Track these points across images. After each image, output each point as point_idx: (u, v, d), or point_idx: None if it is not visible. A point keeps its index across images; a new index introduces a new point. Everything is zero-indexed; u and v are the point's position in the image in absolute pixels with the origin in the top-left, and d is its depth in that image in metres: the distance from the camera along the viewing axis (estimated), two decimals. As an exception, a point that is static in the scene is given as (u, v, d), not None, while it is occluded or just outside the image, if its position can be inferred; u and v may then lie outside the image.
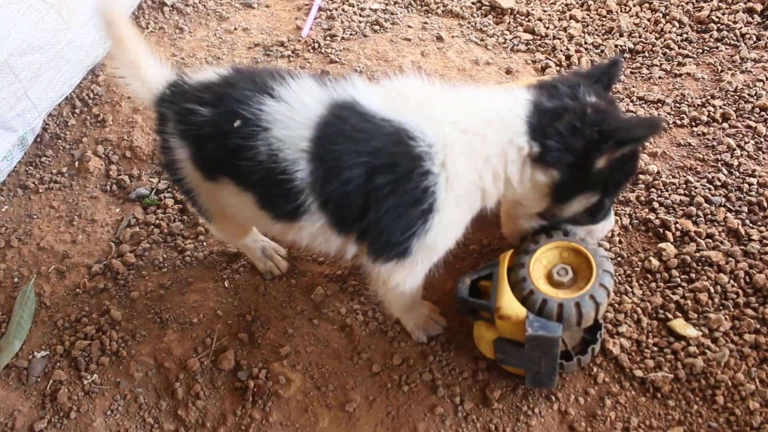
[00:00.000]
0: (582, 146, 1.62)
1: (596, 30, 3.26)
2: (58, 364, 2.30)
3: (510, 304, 1.83)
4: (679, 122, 2.75)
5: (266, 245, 2.35)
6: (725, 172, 2.53)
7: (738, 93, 2.81)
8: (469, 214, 1.79)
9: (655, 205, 2.46)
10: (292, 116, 1.61)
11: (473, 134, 1.62)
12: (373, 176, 1.58)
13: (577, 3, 3.43)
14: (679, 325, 2.13)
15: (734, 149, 2.60)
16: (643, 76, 2.99)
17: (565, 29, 3.26)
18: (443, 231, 1.71)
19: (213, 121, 1.68)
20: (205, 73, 1.83)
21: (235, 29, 3.50)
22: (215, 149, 1.70)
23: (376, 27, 3.37)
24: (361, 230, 1.70)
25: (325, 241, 1.78)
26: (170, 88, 1.86)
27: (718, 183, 2.49)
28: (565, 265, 1.91)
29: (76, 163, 2.95)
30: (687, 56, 3.05)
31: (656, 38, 3.16)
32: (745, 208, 2.41)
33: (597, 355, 2.09)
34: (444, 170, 1.60)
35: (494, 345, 1.93)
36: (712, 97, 2.83)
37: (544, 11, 3.39)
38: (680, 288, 2.23)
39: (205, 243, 2.56)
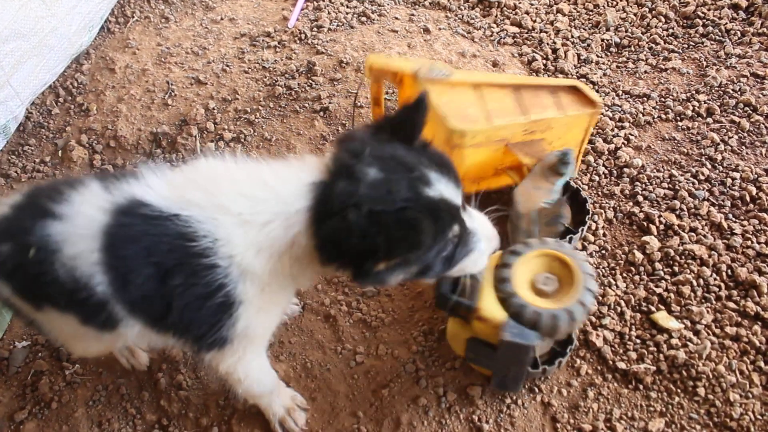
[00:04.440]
0: (351, 255, 1.48)
1: (583, 24, 3.27)
2: (40, 354, 2.28)
3: (490, 307, 1.82)
4: (664, 117, 2.76)
5: None
6: (709, 166, 2.55)
7: (722, 88, 2.83)
8: (287, 296, 1.76)
9: (640, 198, 2.47)
10: (75, 231, 1.58)
11: (259, 228, 1.53)
12: (166, 277, 1.54)
13: (565, -3, 3.44)
14: (662, 317, 2.15)
15: (718, 144, 2.61)
16: (629, 71, 3.00)
17: (552, 23, 3.27)
18: (254, 318, 1.65)
19: (13, 256, 1.65)
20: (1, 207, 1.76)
21: (222, 19, 3.48)
22: (25, 282, 1.68)
23: (363, 18, 3.36)
24: (173, 328, 1.67)
25: (153, 340, 1.75)
26: None
27: (702, 177, 2.51)
28: (550, 274, 1.87)
29: (60, 152, 2.92)
30: (672, 51, 3.06)
31: (642, 33, 3.17)
32: (728, 203, 2.43)
33: (567, 363, 2.10)
34: (234, 262, 1.54)
35: (466, 344, 1.92)
36: (697, 92, 2.84)
37: (531, 4, 3.39)
38: (663, 281, 2.24)
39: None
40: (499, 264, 1.88)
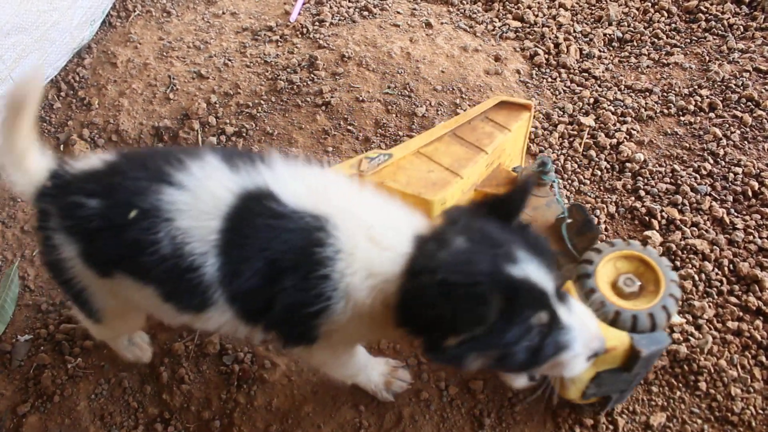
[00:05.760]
0: (418, 322, 1.42)
1: (585, 18, 3.26)
2: (42, 347, 2.28)
3: (609, 335, 1.66)
4: (666, 111, 2.76)
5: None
6: (711, 161, 2.55)
7: (725, 83, 2.82)
8: (377, 329, 1.61)
9: (642, 193, 2.47)
10: (197, 205, 1.49)
11: (378, 250, 1.48)
12: (279, 275, 1.48)
13: (567, -9, 3.43)
14: (664, 312, 2.15)
15: (720, 139, 2.61)
16: (631, 65, 3.00)
17: (554, 17, 3.26)
18: (340, 335, 1.60)
19: (104, 214, 1.53)
20: (88, 160, 1.66)
21: (223, 13, 3.47)
22: (109, 244, 1.56)
23: (365, 13, 3.35)
24: (267, 322, 1.61)
25: (234, 329, 1.65)
26: (52, 180, 1.64)
27: (704, 172, 2.51)
28: (629, 274, 1.80)
29: (61, 146, 2.93)
30: (675, 46, 3.06)
31: (645, 27, 3.17)
32: (731, 197, 2.43)
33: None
34: (344, 279, 1.48)
35: (590, 381, 1.77)
36: (700, 86, 2.84)
37: (534, -1, 3.38)
38: (665, 276, 2.24)
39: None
40: (579, 275, 1.80)
